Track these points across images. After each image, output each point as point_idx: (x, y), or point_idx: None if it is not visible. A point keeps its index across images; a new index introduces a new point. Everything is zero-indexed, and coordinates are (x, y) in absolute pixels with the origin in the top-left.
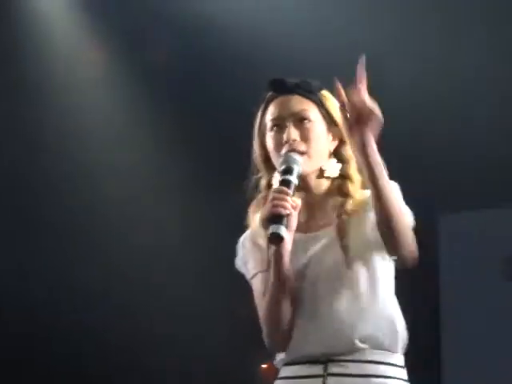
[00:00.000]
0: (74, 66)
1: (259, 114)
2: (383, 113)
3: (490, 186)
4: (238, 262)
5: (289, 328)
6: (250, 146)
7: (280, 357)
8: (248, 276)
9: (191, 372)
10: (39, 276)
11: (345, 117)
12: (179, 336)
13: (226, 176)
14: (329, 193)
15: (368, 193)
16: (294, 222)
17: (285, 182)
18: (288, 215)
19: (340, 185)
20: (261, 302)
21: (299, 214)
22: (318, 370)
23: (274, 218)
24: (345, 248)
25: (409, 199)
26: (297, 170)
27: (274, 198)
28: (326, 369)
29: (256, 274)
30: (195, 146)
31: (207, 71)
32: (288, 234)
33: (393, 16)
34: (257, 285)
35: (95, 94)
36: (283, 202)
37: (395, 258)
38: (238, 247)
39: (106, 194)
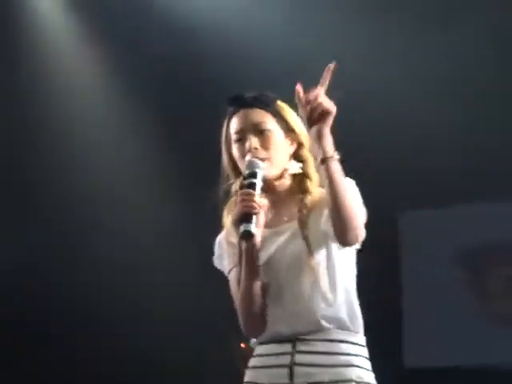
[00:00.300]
0: (67, 64)
1: (224, 127)
2: (350, 119)
3: (446, 187)
4: (216, 260)
5: (262, 315)
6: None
7: (254, 342)
8: (225, 272)
9: (173, 352)
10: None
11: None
12: (160, 315)
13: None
14: (291, 190)
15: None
16: (261, 219)
17: (250, 185)
18: (256, 214)
19: (300, 182)
20: (236, 294)
21: (267, 212)
22: (287, 347)
23: (244, 217)
24: (306, 239)
25: (371, 197)
26: (260, 173)
27: (242, 200)
28: (294, 346)
29: (231, 269)
30: (183, 146)
31: (194, 75)
32: (257, 230)
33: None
34: (232, 279)
35: (87, 91)
36: (251, 203)
37: (343, 242)
38: (215, 246)
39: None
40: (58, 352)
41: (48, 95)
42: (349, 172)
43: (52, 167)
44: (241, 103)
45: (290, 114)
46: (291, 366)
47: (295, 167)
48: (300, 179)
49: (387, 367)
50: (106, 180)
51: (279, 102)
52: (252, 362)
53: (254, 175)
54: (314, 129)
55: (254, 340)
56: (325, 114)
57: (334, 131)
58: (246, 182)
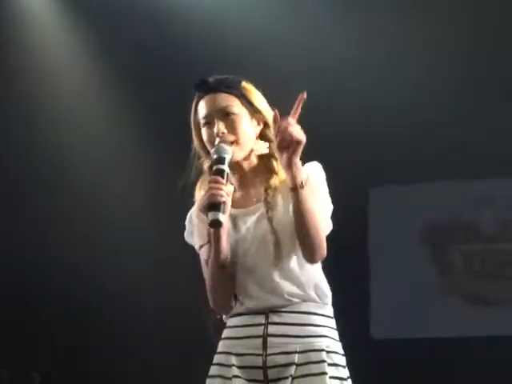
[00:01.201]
0: (51, 49)
1: (192, 111)
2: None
3: (414, 164)
4: (187, 235)
5: (229, 293)
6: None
7: (225, 318)
8: (196, 247)
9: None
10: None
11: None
12: (143, 291)
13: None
14: (258, 170)
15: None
16: (228, 206)
17: (218, 171)
18: (224, 202)
19: (266, 163)
20: (205, 271)
21: (236, 191)
22: (260, 319)
23: (213, 206)
24: (270, 220)
25: (346, 174)
26: (227, 158)
27: (210, 188)
28: (267, 318)
29: (201, 245)
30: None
31: (177, 60)
32: (225, 217)
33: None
34: (202, 255)
35: (73, 81)
36: (219, 191)
37: (308, 261)
38: (186, 222)
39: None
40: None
41: (30, 82)
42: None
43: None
44: (206, 88)
45: (255, 96)
46: (265, 337)
47: (262, 147)
48: (267, 159)
49: (356, 338)
50: (91, 168)
51: (244, 84)
52: (225, 333)
53: (221, 161)
54: (284, 156)
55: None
56: (294, 143)
57: (312, 108)
58: (214, 168)
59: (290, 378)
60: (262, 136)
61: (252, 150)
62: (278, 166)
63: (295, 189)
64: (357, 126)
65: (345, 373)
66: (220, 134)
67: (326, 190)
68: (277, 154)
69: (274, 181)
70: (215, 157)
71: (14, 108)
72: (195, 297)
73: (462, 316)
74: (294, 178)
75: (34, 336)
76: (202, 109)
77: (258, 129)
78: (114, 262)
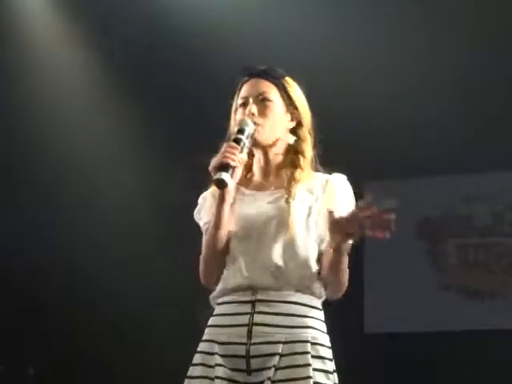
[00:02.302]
0: (41, 41)
1: (236, 95)
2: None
3: (408, 159)
4: (196, 212)
5: (220, 263)
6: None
7: (213, 294)
8: (201, 225)
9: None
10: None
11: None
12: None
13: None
14: (283, 163)
15: (317, 174)
16: (238, 173)
17: (236, 140)
18: (234, 167)
19: (293, 159)
20: (203, 245)
21: (256, 176)
22: (247, 308)
23: (222, 167)
24: (289, 210)
25: (340, 170)
26: (248, 131)
27: (224, 151)
28: (254, 307)
29: (202, 222)
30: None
31: (169, 53)
32: (232, 182)
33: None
34: (203, 231)
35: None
36: (231, 155)
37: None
38: (199, 200)
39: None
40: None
41: (28, 82)
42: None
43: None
44: (250, 73)
45: (294, 91)
46: (250, 326)
47: (290, 138)
48: (294, 156)
49: (350, 332)
50: (89, 167)
51: (287, 78)
52: (211, 320)
53: (242, 131)
54: (341, 236)
55: (212, 295)
56: (359, 234)
57: (310, 104)
58: (233, 136)
59: (273, 369)
60: (294, 133)
61: (278, 140)
62: (305, 163)
63: (339, 251)
64: (352, 122)
65: (331, 366)
66: (250, 115)
67: (352, 205)
68: (305, 152)
69: (299, 175)
70: (237, 128)
71: (12, 107)
72: (192, 293)
73: (458, 310)
74: (341, 245)
75: (29, 332)
76: (243, 91)
77: (291, 124)
78: (111, 260)
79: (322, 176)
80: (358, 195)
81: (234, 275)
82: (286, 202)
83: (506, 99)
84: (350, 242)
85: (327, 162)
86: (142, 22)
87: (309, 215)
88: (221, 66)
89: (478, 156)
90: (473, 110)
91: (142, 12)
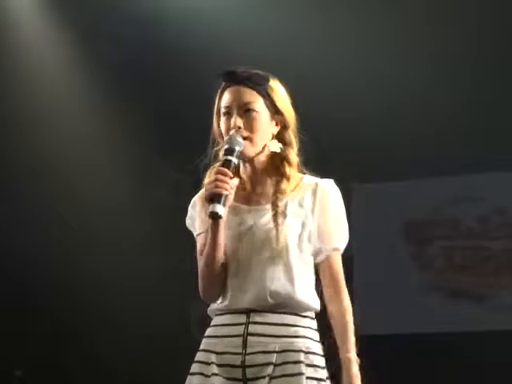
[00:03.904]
0: (26, 36)
1: (216, 98)
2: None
3: (395, 162)
4: (188, 221)
5: (219, 284)
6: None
7: (213, 307)
8: (194, 234)
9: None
10: None
11: None
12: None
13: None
14: (268, 170)
15: (305, 178)
16: (230, 199)
17: (226, 162)
18: (226, 195)
19: (278, 166)
20: (200, 258)
21: (243, 185)
22: (241, 318)
23: (215, 197)
24: (277, 226)
25: (328, 172)
26: (238, 150)
27: (216, 179)
28: (248, 317)
29: (200, 233)
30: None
31: (157, 52)
32: (225, 210)
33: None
34: (199, 243)
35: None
36: (223, 184)
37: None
38: (190, 207)
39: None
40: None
41: (10, 81)
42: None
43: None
44: (233, 79)
45: (278, 96)
46: (245, 336)
47: (276, 146)
48: (279, 162)
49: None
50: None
51: (271, 82)
52: (208, 331)
53: (231, 152)
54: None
55: (211, 307)
56: None
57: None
58: (223, 158)
59: (268, 378)
60: (279, 138)
61: (264, 147)
62: (291, 170)
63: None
64: (339, 124)
65: (323, 374)
66: (236, 128)
67: (343, 213)
68: (290, 158)
69: (285, 185)
70: (226, 147)
71: None
72: (181, 296)
73: (444, 312)
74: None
75: (16, 335)
76: (225, 98)
77: (276, 129)
78: (100, 262)
79: (309, 182)
80: (346, 198)
81: (228, 298)
82: (273, 221)
83: (493, 101)
84: None
85: (314, 164)
86: (131, 21)
87: (302, 230)
88: (211, 67)
89: (464, 158)
90: (459, 112)
91: (132, 12)
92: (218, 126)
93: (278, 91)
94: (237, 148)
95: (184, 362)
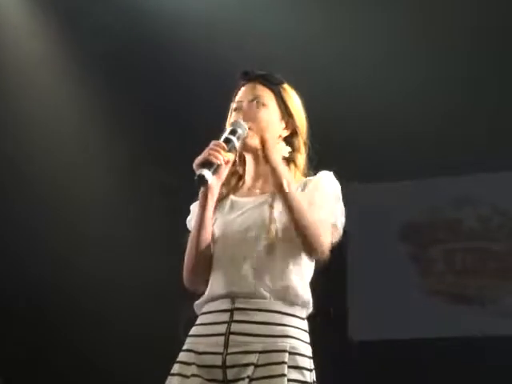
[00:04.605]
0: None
1: (233, 98)
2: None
3: (393, 162)
4: (188, 222)
5: (204, 268)
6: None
7: (197, 302)
8: (190, 229)
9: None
10: None
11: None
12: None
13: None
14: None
15: (303, 179)
16: (223, 173)
17: (225, 139)
18: (218, 165)
19: (285, 166)
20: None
21: (245, 178)
22: (225, 317)
23: (205, 164)
24: (271, 216)
25: (329, 170)
26: (239, 132)
27: (210, 148)
28: (231, 316)
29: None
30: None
31: (145, 51)
32: (215, 180)
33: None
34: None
35: (41, 74)
36: (216, 153)
37: (309, 256)
38: (192, 206)
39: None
40: None
41: None
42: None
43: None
44: (247, 77)
45: (291, 99)
46: (227, 335)
47: (284, 150)
48: (286, 163)
49: (333, 340)
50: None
51: (285, 86)
52: (192, 330)
53: (233, 132)
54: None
55: (196, 305)
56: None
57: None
58: (224, 136)
59: (248, 380)
60: (289, 142)
61: (266, 143)
62: (296, 172)
63: (280, 188)
64: (335, 123)
65: (310, 376)
66: (239, 120)
67: (334, 195)
68: (297, 161)
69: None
70: (229, 129)
71: None
72: (169, 297)
73: (444, 316)
74: (277, 178)
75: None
76: (238, 95)
77: (285, 132)
78: (84, 263)
79: (309, 178)
80: (345, 198)
81: (214, 284)
82: (269, 207)
83: (493, 100)
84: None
85: (311, 164)
86: (118, 14)
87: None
88: (201, 63)
89: (466, 158)
90: (461, 112)
91: (119, 3)
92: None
93: (292, 95)
94: (238, 130)
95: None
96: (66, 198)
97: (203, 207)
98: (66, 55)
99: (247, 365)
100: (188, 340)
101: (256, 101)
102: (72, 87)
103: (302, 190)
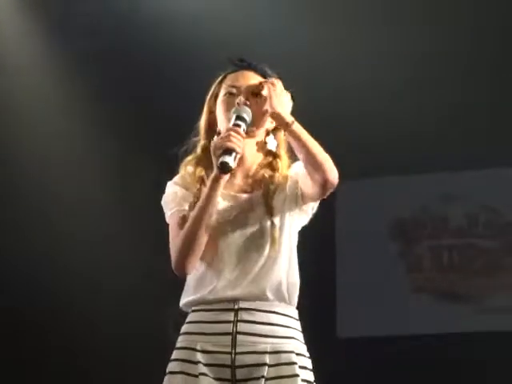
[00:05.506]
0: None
1: (215, 84)
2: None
3: (380, 159)
4: (163, 200)
5: (198, 254)
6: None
7: (187, 299)
8: (167, 212)
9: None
10: None
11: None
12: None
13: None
14: (261, 166)
15: (291, 170)
16: (237, 160)
17: (237, 125)
18: (238, 153)
19: (271, 162)
20: (176, 231)
21: (235, 174)
22: (229, 316)
23: (228, 151)
24: (269, 210)
25: None
26: (247, 118)
27: (231, 135)
28: (236, 315)
29: (175, 210)
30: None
31: (134, 49)
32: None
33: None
34: (174, 219)
35: (30, 77)
36: (238, 142)
37: (321, 189)
38: (168, 187)
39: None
40: None
41: None
42: None
43: None
44: (241, 64)
45: (282, 92)
46: (234, 335)
47: (272, 145)
48: (272, 158)
49: (322, 337)
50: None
51: (277, 80)
52: (187, 327)
53: (240, 118)
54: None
55: (186, 299)
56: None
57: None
58: (233, 122)
59: (263, 380)
60: (273, 134)
61: (262, 143)
62: (283, 166)
63: (288, 125)
64: (325, 120)
65: (311, 376)
66: (242, 104)
67: None
68: (281, 151)
69: (276, 178)
70: (236, 114)
71: None
72: (156, 297)
73: (431, 312)
74: (282, 118)
75: None
76: (233, 79)
77: (271, 126)
78: (71, 262)
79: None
80: (331, 195)
81: (212, 282)
82: (265, 211)
83: (483, 99)
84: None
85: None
86: (107, 14)
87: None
88: (192, 61)
89: (452, 155)
90: (448, 108)
91: (108, 6)
92: (209, 112)
93: (282, 88)
94: (245, 116)
95: (160, 364)
96: (54, 198)
97: (215, 191)
98: (55, 55)
99: (260, 365)
100: (183, 338)
101: (257, 92)
102: (60, 87)
103: (291, 179)
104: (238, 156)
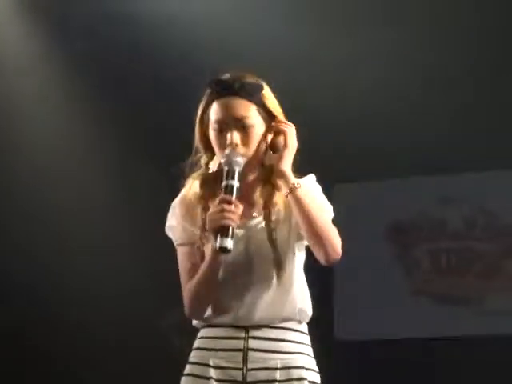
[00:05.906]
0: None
1: (202, 106)
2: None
3: (378, 161)
4: (167, 228)
5: (210, 302)
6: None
7: (198, 322)
8: (174, 242)
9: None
10: None
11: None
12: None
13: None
14: (257, 180)
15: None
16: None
17: (228, 188)
18: (233, 227)
19: (268, 176)
20: (185, 276)
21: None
22: (240, 332)
23: (223, 230)
24: (270, 236)
25: (313, 169)
26: (237, 171)
27: (222, 210)
28: (247, 332)
29: (182, 244)
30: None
31: (131, 50)
32: (232, 243)
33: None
34: (182, 255)
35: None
36: (231, 215)
37: (326, 261)
38: (169, 213)
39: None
40: None
41: None
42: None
43: None
44: (225, 90)
45: (273, 104)
46: (245, 351)
47: (273, 159)
48: (269, 172)
49: (319, 340)
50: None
51: (265, 91)
52: (199, 343)
53: (232, 175)
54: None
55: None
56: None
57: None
58: (224, 183)
59: None
60: (272, 145)
61: (259, 161)
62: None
63: (292, 191)
64: (323, 123)
65: None
66: (233, 146)
67: (323, 197)
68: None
69: (276, 198)
70: (226, 169)
71: None
72: (156, 297)
73: (429, 316)
74: (287, 180)
75: None
76: (217, 112)
77: (270, 137)
78: (68, 266)
79: None
80: (328, 198)
81: (225, 314)
82: (269, 241)
83: (479, 100)
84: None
85: (295, 164)
86: (105, 17)
87: (291, 232)
88: (189, 64)
89: (450, 158)
90: (447, 111)
91: (107, 7)
92: (202, 136)
93: (272, 98)
94: (237, 169)
95: (160, 364)
96: (54, 199)
97: (218, 266)
98: (55, 56)
99: (271, 381)
100: (196, 353)
101: (242, 123)
102: (60, 88)
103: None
104: (236, 226)
